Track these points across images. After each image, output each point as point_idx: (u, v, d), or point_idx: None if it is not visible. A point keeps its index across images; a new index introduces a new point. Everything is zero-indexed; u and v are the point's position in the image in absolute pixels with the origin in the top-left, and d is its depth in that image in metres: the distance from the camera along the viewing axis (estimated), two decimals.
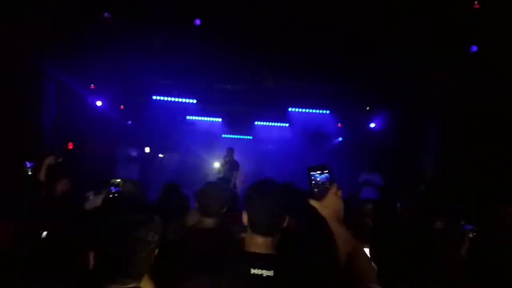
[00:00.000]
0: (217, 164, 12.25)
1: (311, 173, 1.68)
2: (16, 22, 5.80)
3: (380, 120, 8.86)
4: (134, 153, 10.26)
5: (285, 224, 1.95)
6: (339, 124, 10.45)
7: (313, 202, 1.65)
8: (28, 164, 3.41)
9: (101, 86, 8.99)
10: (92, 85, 8.93)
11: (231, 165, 9.31)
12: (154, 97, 9.95)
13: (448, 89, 6.18)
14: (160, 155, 12.08)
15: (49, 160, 3.46)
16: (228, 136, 12.08)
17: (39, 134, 6.90)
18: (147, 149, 11.57)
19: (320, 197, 1.65)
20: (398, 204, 4.46)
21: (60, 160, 3.55)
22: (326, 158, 9.76)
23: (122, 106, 10.00)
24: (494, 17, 5.13)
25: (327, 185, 1.66)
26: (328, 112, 10.18)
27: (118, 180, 3.60)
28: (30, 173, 3.41)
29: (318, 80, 8.60)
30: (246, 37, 7.43)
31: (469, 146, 5.59)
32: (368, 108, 9.11)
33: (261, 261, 1.84)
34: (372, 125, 9.33)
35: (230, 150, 9.54)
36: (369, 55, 6.31)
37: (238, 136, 12.17)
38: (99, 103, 9.06)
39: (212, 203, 2.68)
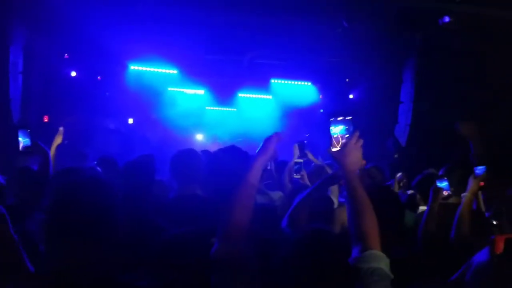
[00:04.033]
0: (200, 137, 12.16)
1: (332, 120, 1.61)
2: None
3: (358, 91, 8.79)
4: (112, 125, 10.10)
5: None
6: (321, 95, 10.35)
7: (332, 150, 1.61)
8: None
9: (76, 55, 8.74)
10: (66, 54, 8.68)
11: None
12: (132, 67, 9.72)
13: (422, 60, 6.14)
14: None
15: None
16: (212, 108, 11.91)
17: (7, 107, 6.68)
18: (130, 121, 11.38)
19: (339, 145, 1.60)
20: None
21: None
22: (309, 129, 9.71)
23: (99, 76, 9.77)
24: None
25: (348, 134, 1.60)
26: (309, 83, 10.07)
27: None
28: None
29: (299, 50, 8.45)
30: (228, 5, 7.21)
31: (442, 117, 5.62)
32: (347, 79, 9.02)
33: None
34: (351, 96, 9.26)
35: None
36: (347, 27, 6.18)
37: (222, 108, 12.01)
38: (73, 74, 8.82)
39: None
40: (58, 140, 4.22)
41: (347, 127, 1.64)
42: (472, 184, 2.92)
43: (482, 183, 3.00)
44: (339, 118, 1.63)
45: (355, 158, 1.59)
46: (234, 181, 1.78)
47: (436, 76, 5.97)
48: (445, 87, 5.90)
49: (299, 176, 3.35)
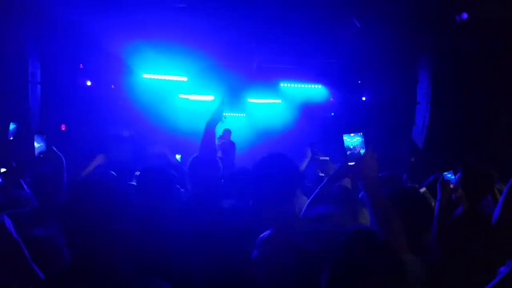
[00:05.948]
0: None
1: (345, 136, 1.69)
2: None
3: (371, 93, 8.77)
4: (126, 133, 10.17)
5: None
6: (331, 98, 10.38)
7: (349, 164, 1.70)
8: None
9: (90, 65, 8.87)
10: (81, 64, 8.82)
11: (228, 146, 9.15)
12: (144, 75, 9.84)
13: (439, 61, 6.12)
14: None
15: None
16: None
17: (27, 118, 6.81)
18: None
19: (355, 159, 1.65)
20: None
21: None
22: (320, 133, 9.73)
23: (113, 85, 9.89)
24: None
25: (362, 147, 1.66)
26: (320, 86, 10.08)
27: None
28: None
29: (310, 52, 8.48)
30: (235, 12, 7.29)
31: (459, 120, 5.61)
32: (359, 81, 9.01)
33: None
34: (363, 98, 9.26)
35: (227, 131, 9.39)
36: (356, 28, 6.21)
37: (232, 113, 12.09)
38: (88, 83, 8.95)
39: None
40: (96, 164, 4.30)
41: (362, 139, 1.72)
42: None
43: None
44: (352, 134, 1.71)
45: (372, 170, 1.65)
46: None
47: (452, 76, 5.93)
48: (461, 87, 5.85)
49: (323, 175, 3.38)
